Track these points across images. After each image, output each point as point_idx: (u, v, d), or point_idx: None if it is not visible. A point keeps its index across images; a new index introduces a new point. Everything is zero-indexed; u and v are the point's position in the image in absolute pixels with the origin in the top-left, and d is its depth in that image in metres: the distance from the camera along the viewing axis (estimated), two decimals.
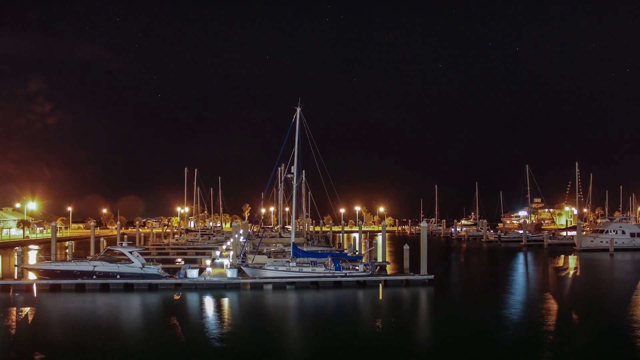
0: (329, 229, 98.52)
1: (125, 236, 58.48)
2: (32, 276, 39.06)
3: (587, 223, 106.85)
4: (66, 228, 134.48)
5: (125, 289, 36.71)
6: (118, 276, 37.67)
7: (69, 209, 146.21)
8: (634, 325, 25.96)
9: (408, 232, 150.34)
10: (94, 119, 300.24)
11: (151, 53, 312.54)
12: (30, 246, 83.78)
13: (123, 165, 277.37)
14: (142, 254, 42.25)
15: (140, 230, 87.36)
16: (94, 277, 37.51)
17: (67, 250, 51.42)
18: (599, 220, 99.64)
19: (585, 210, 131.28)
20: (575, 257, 67.12)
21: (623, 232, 79.05)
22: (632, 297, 35.11)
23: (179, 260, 53.81)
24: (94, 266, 37.98)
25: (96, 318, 29.00)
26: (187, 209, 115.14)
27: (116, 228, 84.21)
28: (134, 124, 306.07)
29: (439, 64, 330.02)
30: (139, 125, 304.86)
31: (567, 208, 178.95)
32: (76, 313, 30.41)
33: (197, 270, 38.71)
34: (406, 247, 44.52)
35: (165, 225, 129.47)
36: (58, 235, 69.43)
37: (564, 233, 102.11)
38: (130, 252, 39.09)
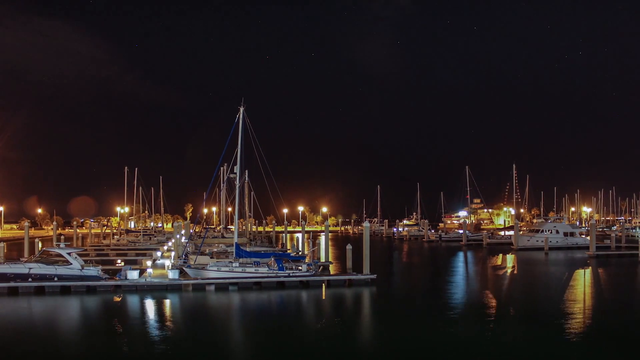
0: (272, 229, 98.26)
1: (62, 237, 56.69)
2: None
3: (524, 223, 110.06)
4: None
5: (62, 292, 35.46)
6: (56, 278, 36.30)
7: (0, 208, 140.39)
8: (565, 319, 27.05)
9: (351, 232, 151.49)
10: (27, 117, 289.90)
11: (90, 52, 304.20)
12: None
13: (60, 165, 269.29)
14: (80, 255, 41.02)
15: (77, 230, 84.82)
16: (30, 279, 36.11)
17: None
18: (535, 220, 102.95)
19: (522, 210, 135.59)
20: (513, 255, 69.11)
21: (557, 232, 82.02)
22: (565, 293, 36.56)
23: (119, 261, 52.55)
24: (30, 268, 36.46)
25: (30, 323, 28.03)
26: (127, 209, 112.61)
27: (52, 228, 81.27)
28: (71, 123, 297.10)
29: (383, 60, 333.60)
30: (76, 124, 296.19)
31: (505, 208, 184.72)
32: (9, 318, 29.14)
33: (138, 271, 37.90)
34: (349, 247, 44.83)
35: (104, 226, 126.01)
36: None
37: (502, 233, 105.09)
38: (69, 254, 37.81)
